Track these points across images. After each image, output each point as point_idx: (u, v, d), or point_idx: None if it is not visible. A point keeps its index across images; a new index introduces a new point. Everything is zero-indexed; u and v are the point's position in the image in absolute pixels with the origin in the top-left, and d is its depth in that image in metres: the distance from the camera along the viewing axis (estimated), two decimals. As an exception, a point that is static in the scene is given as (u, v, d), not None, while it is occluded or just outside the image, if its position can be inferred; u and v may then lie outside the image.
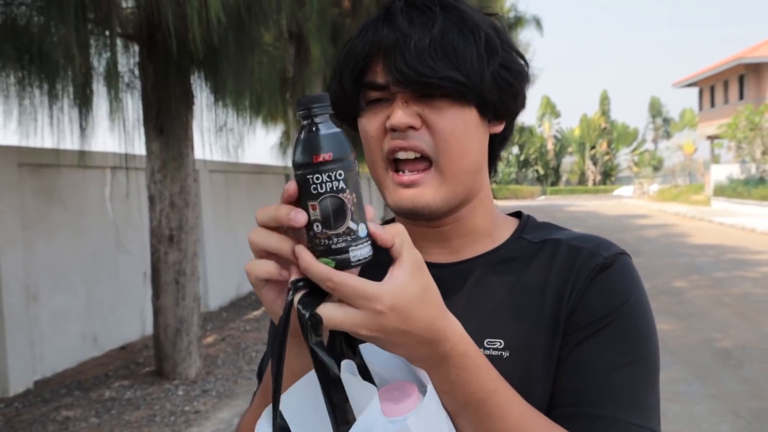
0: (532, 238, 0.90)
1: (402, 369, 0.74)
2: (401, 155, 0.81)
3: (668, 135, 61.39)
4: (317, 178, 0.65)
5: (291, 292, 0.65)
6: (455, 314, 0.71)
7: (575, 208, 31.28)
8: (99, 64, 5.15)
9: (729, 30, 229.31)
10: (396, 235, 0.66)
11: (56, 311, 5.83)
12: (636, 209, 30.23)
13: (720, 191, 27.71)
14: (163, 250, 5.48)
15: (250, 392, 5.18)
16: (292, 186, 0.66)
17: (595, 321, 0.81)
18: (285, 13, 6.05)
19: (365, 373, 0.72)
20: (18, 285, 5.36)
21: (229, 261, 9.20)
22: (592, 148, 59.49)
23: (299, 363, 0.73)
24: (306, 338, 0.64)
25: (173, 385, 5.32)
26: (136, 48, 5.34)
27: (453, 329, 0.69)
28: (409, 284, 0.64)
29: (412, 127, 0.80)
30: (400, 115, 0.80)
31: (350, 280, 0.62)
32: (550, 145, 59.34)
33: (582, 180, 60.02)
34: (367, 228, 0.67)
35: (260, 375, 0.98)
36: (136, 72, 5.42)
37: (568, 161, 61.95)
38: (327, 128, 0.67)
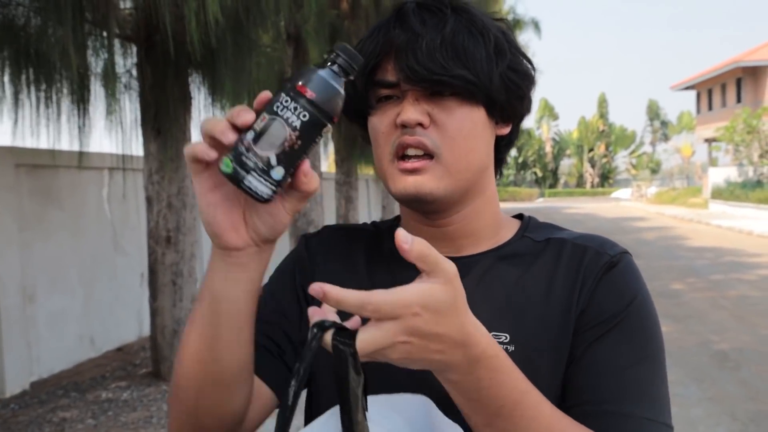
0: (536, 236, 0.92)
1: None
2: (410, 152, 0.83)
3: (666, 138, 61.53)
4: (286, 101, 0.66)
5: (317, 334, 0.64)
6: None
7: (573, 211, 31.31)
8: (96, 65, 5.14)
9: (727, 33, 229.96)
10: (422, 253, 0.65)
11: (53, 312, 5.83)
12: (634, 212, 30.27)
13: (717, 194, 27.77)
14: (160, 252, 5.47)
15: (247, 394, 5.19)
16: (265, 94, 0.69)
17: (606, 320, 0.83)
18: (283, 15, 6.06)
19: None
20: (15, 286, 5.35)
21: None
22: (590, 150, 59.57)
23: (220, 283, 0.76)
24: (344, 380, 0.63)
25: (170, 387, 5.32)
26: (134, 49, 5.34)
27: (482, 333, 0.69)
28: (442, 290, 0.64)
29: (420, 124, 0.82)
30: (411, 111, 0.82)
31: (386, 296, 0.62)
32: (548, 148, 59.43)
33: (580, 182, 60.10)
34: (283, 178, 0.68)
35: None
36: (134, 73, 5.42)
37: (567, 163, 62.04)
38: (332, 80, 0.68)
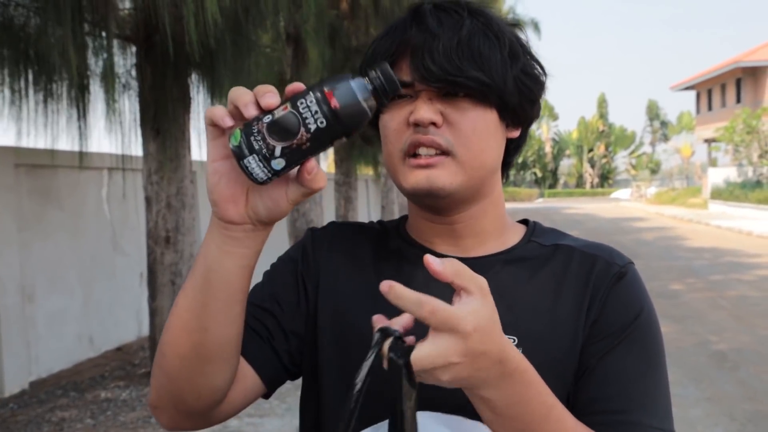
0: (543, 241, 0.94)
1: None
2: (422, 151, 0.84)
3: (666, 138, 61.55)
4: (310, 102, 0.67)
5: (380, 339, 0.65)
6: None
7: (573, 211, 31.32)
8: (96, 65, 5.15)
9: (727, 33, 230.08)
10: (457, 270, 0.67)
11: (52, 312, 5.83)
12: (633, 212, 30.28)
13: (717, 194, 27.78)
14: (159, 252, 5.48)
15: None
16: (298, 85, 0.70)
17: (616, 332, 0.86)
18: (283, 15, 6.06)
19: None
20: (14, 286, 5.35)
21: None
22: (590, 150, 59.59)
23: (215, 254, 0.77)
24: (397, 391, 0.64)
25: (169, 387, 5.33)
26: (134, 49, 5.35)
27: (513, 348, 0.70)
28: (483, 307, 0.66)
29: (434, 124, 0.83)
30: (425, 109, 0.82)
31: (442, 304, 0.64)
32: (548, 148, 59.43)
33: (580, 183, 60.11)
34: (282, 169, 0.69)
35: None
36: (133, 73, 5.42)
37: (566, 164, 62.05)
38: (362, 97, 0.69)
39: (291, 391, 4.47)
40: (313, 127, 0.67)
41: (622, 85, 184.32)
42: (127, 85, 5.46)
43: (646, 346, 0.86)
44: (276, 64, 7.33)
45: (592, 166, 59.76)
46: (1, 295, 5.19)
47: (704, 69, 34.91)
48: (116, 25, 4.83)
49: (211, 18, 4.12)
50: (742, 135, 25.90)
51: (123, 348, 6.68)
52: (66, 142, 5.21)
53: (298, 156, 0.68)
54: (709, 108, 35.48)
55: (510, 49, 0.85)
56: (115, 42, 5.08)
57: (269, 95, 0.69)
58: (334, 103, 0.67)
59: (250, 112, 0.69)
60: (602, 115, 59.90)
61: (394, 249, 0.96)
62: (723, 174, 29.35)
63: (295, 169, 0.72)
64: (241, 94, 0.70)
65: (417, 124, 0.83)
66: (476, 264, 0.88)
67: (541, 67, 0.90)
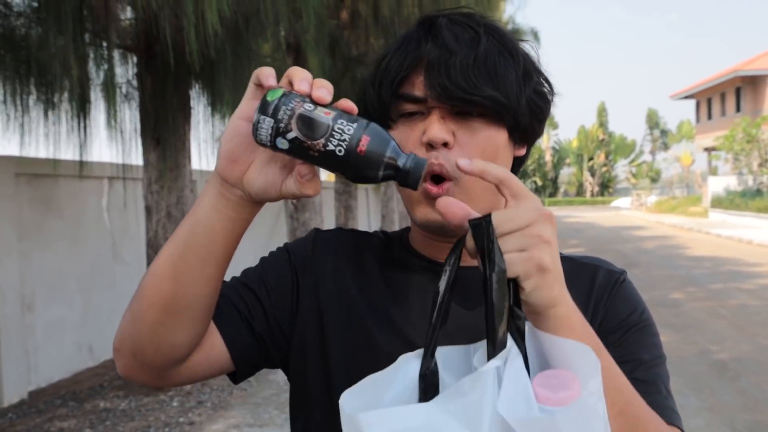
0: None
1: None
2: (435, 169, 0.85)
3: (666, 147, 61.58)
4: (348, 129, 0.69)
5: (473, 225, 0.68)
6: (479, 311, 0.72)
7: (573, 220, 31.31)
8: (97, 75, 5.17)
9: (726, 43, 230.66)
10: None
11: (52, 321, 5.83)
12: (633, 221, 30.27)
13: (717, 203, 27.78)
14: (159, 261, 5.48)
15: (246, 404, 5.17)
16: (352, 107, 0.72)
17: (624, 326, 0.89)
18: (283, 25, 6.09)
19: (434, 380, 0.71)
20: (14, 295, 5.35)
21: (228, 272, 9.18)
22: (590, 159, 59.63)
23: (205, 207, 0.79)
24: (489, 252, 0.66)
25: (168, 397, 5.31)
26: (134, 59, 5.37)
27: None
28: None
29: (445, 144, 0.82)
30: (437, 129, 0.81)
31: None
32: (548, 157, 59.49)
33: (580, 191, 60.13)
34: (281, 149, 0.71)
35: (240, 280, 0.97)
36: (134, 83, 5.44)
37: (566, 172, 62.09)
38: (387, 157, 0.71)
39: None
40: (331, 147, 0.69)
41: (621, 94, 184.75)
42: (127, 94, 5.48)
43: (652, 340, 0.91)
44: (276, 73, 7.36)
45: (593, 175, 59.79)
46: (1, 304, 5.19)
47: (704, 78, 35.00)
48: (117, 35, 4.86)
49: (211, 28, 4.14)
50: (741, 144, 25.93)
51: (122, 357, 6.66)
52: (67, 151, 5.23)
53: (301, 154, 0.70)
54: (709, 117, 35.54)
55: (524, 68, 0.84)
56: (116, 52, 5.10)
57: (326, 91, 0.71)
58: (362, 148, 0.68)
59: (302, 87, 0.71)
60: (602, 124, 59.97)
61: (398, 259, 0.96)
62: (723, 183, 29.37)
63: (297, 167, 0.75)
64: (301, 72, 0.72)
65: (430, 144, 0.82)
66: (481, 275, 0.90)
67: (550, 85, 0.90)
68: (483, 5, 8.17)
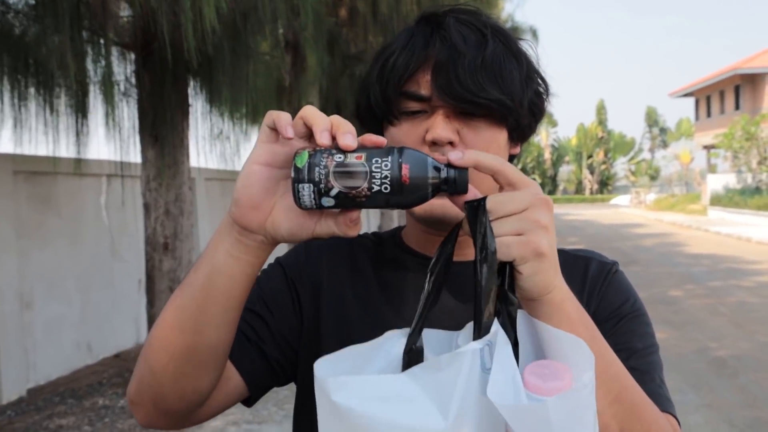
0: None
1: None
2: None
3: (665, 144, 61.56)
4: (386, 166, 0.68)
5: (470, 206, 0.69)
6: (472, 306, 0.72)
7: (572, 217, 31.32)
8: (95, 73, 5.16)
9: (726, 42, 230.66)
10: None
11: (50, 319, 5.82)
12: (633, 218, 30.28)
13: (716, 201, 27.79)
14: (157, 258, 5.48)
15: (244, 401, 5.18)
16: (379, 139, 0.70)
17: (617, 314, 0.91)
18: (281, 22, 6.08)
19: (419, 358, 0.71)
20: (12, 293, 5.35)
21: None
22: (589, 157, 59.63)
23: (223, 256, 0.76)
24: (476, 220, 0.67)
25: (167, 394, 5.31)
26: (132, 56, 5.36)
27: None
28: None
29: (450, 143, 0.82)
30: (442, 128, 0.82)
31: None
32: (547, 155, 59.49)
33: (579, 189, 60.13)
34: (328, 207, 0.70)
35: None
36: (132, 80, 5.43)
37: (565, 170, 62.09)
38: (431, 175, 0.70)
39: (289, 398, 4.46)
40: (376, 188, 0.67)
41: (620, 92, 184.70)
42: (125, 92, 5.47)
43: (645, 328, 0.92)
44: (275, 70, 7.34)
45: (592, 173, 59.79)
46: (0, 301, 5.19)
47: (703, 76, 35.01)
48: (115, 33, 4.85)
49: (209, 25, 4.13)
50: (741, 141, 25.93)
51: (121, 355, 6.66)
52: (65, 149, 5.22)
53: (349, 204, 0.69)
54: (708, 115, 35.55)
55: (527, 70, 0.85)
56: (114, 49, 5.09)
57: (350, 137, 0.68)
58: (405, 177, 0.67)
59: (324, 140, 0.67)
60: (601, 122, 59.96)
61: (391, 258, 0.96)
62: (722, 180, 29.38)
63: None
64: (318, 119, 0.69)
65: (434, 143, 0.82)
66: None
67: (547, 85, 0.90)
68: (482, 2, 8.17)
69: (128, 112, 5.49)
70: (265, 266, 1.00)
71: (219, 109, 5.71)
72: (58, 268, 5.98)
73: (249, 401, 0.94)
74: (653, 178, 55.93)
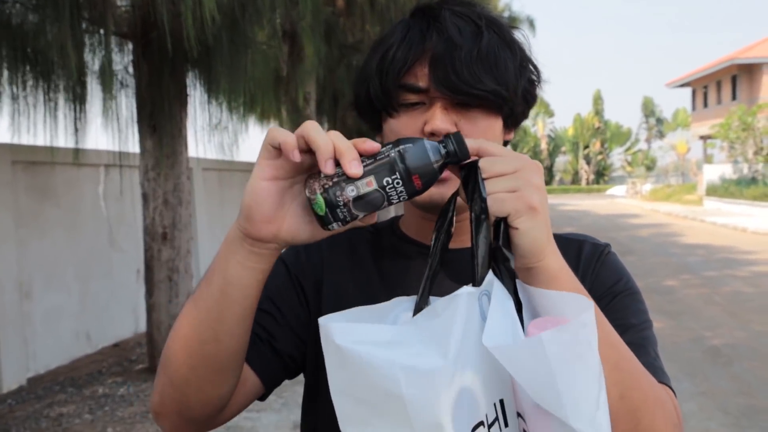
0: None
1: None
2: None
3: (661, 135, 61.58)
4: (397, 183, 0.70)
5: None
6: None
7: (569, 207, 31.36)
8: (93, 62, 5.15)
9: (723, 33, 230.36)
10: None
11: (49, 309, 5.85)
12: (629, 208, 30.35)
13: (712, 191, 27.85)
14: (156, 248, 5.49)
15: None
16: (375, 147, 0.71)
17: (611, 291, 0.93)
18: (279, 12, 6.07)
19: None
20: (11, 282, 5.37)
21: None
22: (586, 147, 59.65)
23: (235, 269, 0.77)
24: (469, 181, 0.71)
25: (166, 383, 5.34)
26: (130, 46, 5.35)
27: None
28: None
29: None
30: (441, 119, 0.84)
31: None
32: (543, 145, 59.49)
33: (575, 179, 60.19)
34: (343, 225, 0.72)
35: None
36: (130, 70, 5.43)
37: (562, 160, 62.11)
38: (434, 157, 0.72)
39: (287, 387, 4.49)
40: (395, 201, 0.71)
41: (617, 82, 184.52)
42: (124, 81, 5.47)
43: (639, 305, 0.94)
44: (272, 60, 7.33)
45: (588, 163, 59.84)
46: (-1, 291, 5.21)
47: (700, 66, 35.00)
48: (113, 22, 4.83)
49: (208, 14, 4.13)
50: (737, 132, 25.96)
51: (120, 344, 6.69)
52: (63, 139, 5.23)
53: (375, 211, 0.73)
54: (705, 105, 35.56)
55: (520, 60, 0.87)
56: (113, 39, 5.08)
57: (356, 164, 0.69)
58: (418, 184, 0.71)
59: (329, 170, 0.69)
60: (598, 112, 59.95)
61: (389, 247, 0.98)
62: (718, 171, 29.43)
63: None
64: (321, 143, 0.69)
65: (433, 134, 0.84)
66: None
67: (539, 72, 0.92)
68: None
69: (126, 102, 5.49)
70: None
71: (217, 99, 5.71)
72: (57, 258, 6.00)
73: (263, 396, 0.96)
74: (649, 168, 55.97)
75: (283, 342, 0.93)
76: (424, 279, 0.74)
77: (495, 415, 0.66)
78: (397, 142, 0.72)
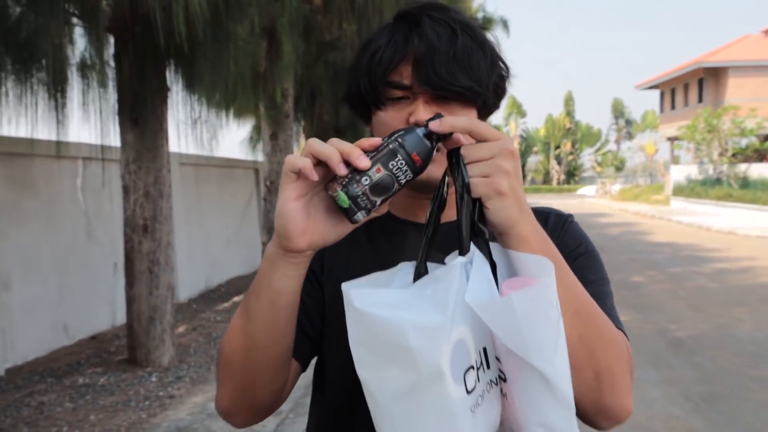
0: None
1: None
2: None
3: (630, 136, 62.59)
4: (401, 163, 0.84)
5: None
6: None
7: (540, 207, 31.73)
8: (74, 55, 5.19)
9: (690, 35, 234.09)
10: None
11: (27, 300, 5.86)
12: (598, 208, 30.84)
13: (679, 191, 28.46)
14: (137, 240, 5.55)
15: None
16: (376, 141, 0.84)
17: (573, 253, 1.06)
18: (257, 8, 6.15)
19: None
20: (-10, 273, 5.37)
21: (199, 254, 9.25)
22: (557, 147, 60.39)
23: (281, 280, 0.90)
24: (453, 165, 0.83)
25: (146, 372, 5.41)
26: (112, 39, 5.39)
27: None
28: None
29: None
30: (423, 111, 0.98)
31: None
32: (516, 145, 59.73)
33: (546, 179, 60.89)
34: (366, 214, 0.85)
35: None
36: (112, 63, 5.47)
37: (533, 160, 62.78)
38: (426, 138, 0.86)
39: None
40: (403, 180, 0.85)
41: (588, 84, 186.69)
42: (105, 74, 5.50)
43: (598, 265, 1.08)
44: (251, 56, 7.40)
45: (559, 163, 60.58)
46: (-22, 282, 5.21)
47: (668, 69, 35.65)
48: (96, 15, 4.88)
49: (198, 8, 4.20)
50: (703, 134, 26.57)
51: (97, 336, 6.72)
52: (43, 131, 5.24)
53: (390, 197, 0.86)
54: (673, 107, 36.27)
55: (491, 58, 1.02)
56: (95, 32, 5.12)
57: (363, 158, 0.81)
58: (418, 161, 0.85)
59: (343, 171, 0.81)
60: (569, 113, 60.73)
61: (381, 227, 1.12)
62: (685, 171, 30.07)
63: None
64: (329, 153, 0.81)
65: (417, 124, 0.97)
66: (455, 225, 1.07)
67: (507, 68, 1.07)
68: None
69: (107, 95, 5.52)
70: None
71: (198, 93, 5.77)
72: (36, 250, 6.01)
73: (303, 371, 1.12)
74: (619, 169, 56.85)
75: (311, 327, 1.09)
76: (422, 247, 0.87)
77: (480, 360, 0.80)
78: (392, 134, 0.86)
